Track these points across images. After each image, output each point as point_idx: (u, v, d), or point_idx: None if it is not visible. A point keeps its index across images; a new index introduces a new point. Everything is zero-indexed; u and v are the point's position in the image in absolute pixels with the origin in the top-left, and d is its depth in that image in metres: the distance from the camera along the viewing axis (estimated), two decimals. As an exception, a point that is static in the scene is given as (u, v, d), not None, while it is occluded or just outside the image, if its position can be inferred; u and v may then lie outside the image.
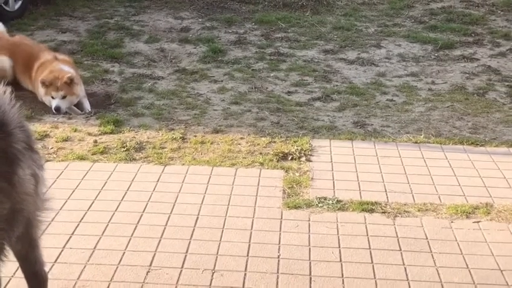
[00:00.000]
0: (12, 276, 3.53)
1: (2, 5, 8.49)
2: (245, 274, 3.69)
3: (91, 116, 5.95)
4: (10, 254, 3.05)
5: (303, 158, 5.15)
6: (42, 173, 3.07)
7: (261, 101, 6.40)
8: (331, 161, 5.13)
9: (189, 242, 4.00)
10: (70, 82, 5.98)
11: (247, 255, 3.87)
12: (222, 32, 8.66)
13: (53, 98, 5.99)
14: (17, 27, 8.33)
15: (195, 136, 5.53)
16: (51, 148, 5.24)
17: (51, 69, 6.17)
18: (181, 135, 5.52)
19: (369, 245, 4.00)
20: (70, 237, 4.01)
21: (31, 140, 3.08)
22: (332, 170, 4.99)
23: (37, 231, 3.15)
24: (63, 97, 5.98)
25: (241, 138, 5.53)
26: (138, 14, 9.28)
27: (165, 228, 4.15)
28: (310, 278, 3.68)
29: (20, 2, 8.77)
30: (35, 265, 3.18)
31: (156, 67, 7.32)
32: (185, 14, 9.40)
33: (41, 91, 6.10)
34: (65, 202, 4.41)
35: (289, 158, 5.15)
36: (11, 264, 3.14)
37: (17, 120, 2.98)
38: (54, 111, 5.96)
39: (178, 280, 3.62)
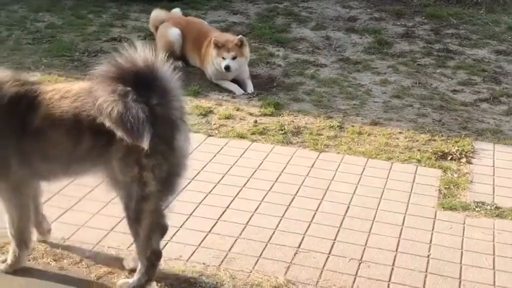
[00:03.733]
0: (180, 227, 3.76)
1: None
2: (392, 269, 3.67)
3: (253, 96, 6.12)
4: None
5: (463, 160, 5.00)
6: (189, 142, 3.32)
7: (424, 97, 6.27)
8: (493, 166, 4.93)
9: (338, 230, 4.03)
10: (240, 44, 6.24)
11: (396, 251, 3.83)
12: (390, 23, 8.55)
13: (223, 58, 6.20)
14: (191, 6, 8.73)
15: (353, 126, 5.53)
16: (214, 124, 5.47)
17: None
18: (338, 124, 5.54)
19: (527, 257, 3.83)
20: (225, 210, 4.18)
21: (184, 110, 3.29)
22: (493, 175, 4.80)
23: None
24: (234, 58, 6.21)
25: (400, 132, 5.46)
26: (307, 1, 9.38)
27: (315, 213, 4.21)
28: (460, 282, 3.58)
29: (196, -18, 9.18)
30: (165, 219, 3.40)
31: (320, 54, 7.38)
32: (354, 3, 9.37)
33: (212, 53, 6.30)
34: (223, 177, 4.60)
35: (449, 158, 5.02)
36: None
37: (176, 90, 3.18)
38: (223, 69, 6.20)
39: (324, 265, 3.67)
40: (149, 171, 3.13)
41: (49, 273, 3.48)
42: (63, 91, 3.26)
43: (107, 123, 2.99)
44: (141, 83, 3.03)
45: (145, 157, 3.09)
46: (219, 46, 6.25)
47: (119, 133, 2.99)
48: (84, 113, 3.13)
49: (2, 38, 7.29)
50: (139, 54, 3.07)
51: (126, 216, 3.29)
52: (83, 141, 3.18)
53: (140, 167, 3.12)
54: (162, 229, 3.38)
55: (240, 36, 6.34)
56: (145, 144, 2.97)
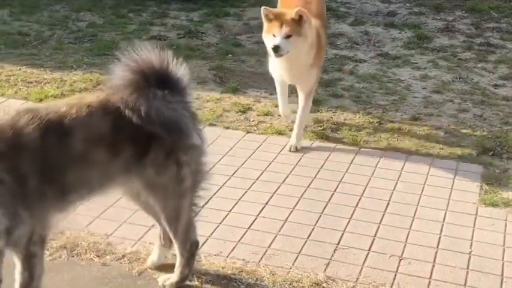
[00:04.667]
0: (219, 223, 3.79)
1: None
2: (433, 265, 3.64)
3: (292, 93, 6.11)
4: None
5: (505, 155, 4.93)
6: None
7: (465, 92, 6.19)
8: (537, 161, 4.86)
9: (378, 226, 4.01)
10: (299, 19, 4.66)
11: (437, 247, 3.80)
12: (430, 18, 8.46)
13: (274, 36, 4.67)
14: (230, 4, 8.76)
15: (392, 122, 5.49)
16: (253, 121, 5.48)
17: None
18: (378, 120, 5.51)
19: None
20: (264, 207, 4.19)
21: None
22: (536, 170, 4.73)
23: None
24: (287, 36, 4.65)
25: (440, 128, 5.40)
26: (345, -4, 9.33)
27: (355, 209, 4.19)
28: (502, 279, 3.53)
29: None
30: None
31: (359, 50, 7.33)
32: (393, -2, 9.29)
33: (264, 27, 4.81)
34: (261, 173, 4.61)
35: (490, 154, 4.95)
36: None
37: (190, 88, 3.23)
38: (271, 51, 4.72)
39: (364, 262, 3.66)
40: (187, 167, 3.17)
41: (92, 269, 3.54)
42: (84, 106, 3.01)
43: (152, 128, 2.99)
44: (161, 83, 3.05)
45: (184, 154, 3.12)
46: (270, 18, 4.71)
47: (165, 134, 3.01)
48: (122, 124, 3.00)
49: (44, 38, 7.42)
50: (152, 55, 3.06)
51: (164, 217, 3.29)
52: (121, 153, 3.04)
53: (179, 165, 3.14)
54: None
55: (299, 8, 4.68)
56: (196, 140, 3.03)
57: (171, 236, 3.37)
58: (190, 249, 3.37)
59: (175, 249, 3.40)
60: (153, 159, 3.09)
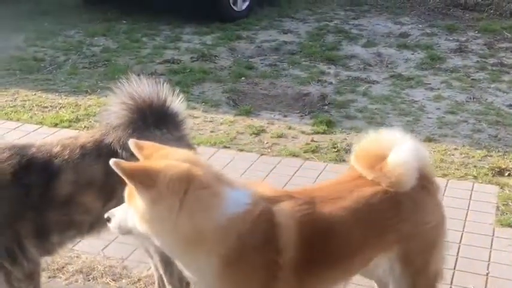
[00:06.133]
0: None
1: (231, 4, 9.03)
2: (450, 287, 3.61)
3: (305, 115, 6.13)
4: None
5: (521, 175, 4.91)
6: None
7: (479, 112, 6.17)
8: (553, 182, 4.82)
9: (394, 248, 3.98)
10: None
11: (454, 269, 3.77)
12: (442, 39, 8.47)
13: None
14: (242, 27, 8.82)
15: (407, 143, 5.47)
16: (267, 143, 5.49)
17: None
18: (392, 141, 5.48)
19: None
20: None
21: None
22: (553, 190, 4.70)
23: None
24: None
25: (455, 149, 5.38)
26: (357, 18, 9.38)
27: (370, 231, 4.17)
28: (520, 301, 3.51)
29: (247, 3, 9.26)
30: None
31: (372, 71, 7.35)
32: (405, 19, 9.32)
33: None
34: (276, 195, 4.60)
35: (506, 174, 4.93)
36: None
37: (186, 122, 3.19)
38: None
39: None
40: None
41: (108, 293, 3.55)
42: (77, 146, 2.89)
43: None
44: (159, 121, 2.99)
45: None
46: None
47: None
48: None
49: (59, 63, 7.50)
50: (148, 90, 2.98)
51: (160, 259, 3.13)
52: (114, 197, 2.80)
53: None
54: None
55: None
56: None
57: (165, 279, 3.21)
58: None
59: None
60: None
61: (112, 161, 2.22)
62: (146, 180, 2.23)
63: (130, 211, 2.32)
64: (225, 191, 2.33)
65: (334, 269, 2.63)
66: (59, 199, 2.82)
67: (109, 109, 3.01)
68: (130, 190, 2.29)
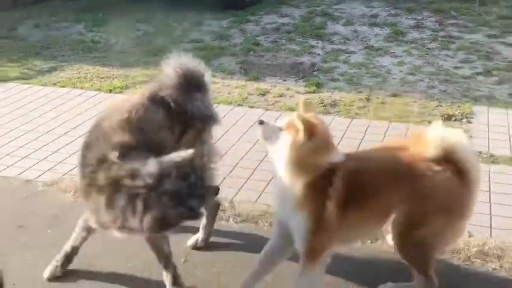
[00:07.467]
0: (247, 179, 3.78)
1: (243, -4, 8.84)
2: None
3: (299, 79, 6.08)
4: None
5: (464, 120, 4.88)
6: None
7: (432, 73, 6.10)
8: (488, 124, 4.79)
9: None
10: None
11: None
12: (404, 18, 8.31)
13: None
14: (250, 12, 8.67)
15: (377, 98, 5.44)
16: (270, 101, 5.46)
17: None
18: (366, 97, 5.46)
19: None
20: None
21: None
22: (488, 131, 4.66)
23: None
24: None
25: (414, 101, 5.34)
26: (339, 3, 9.18)
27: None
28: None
29: (255, -5, 9.05)
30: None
31: (350, 44, 7.24)
32: (375, 3, 9.13)
33: None
34: (278, 140, 4.59)
35: (453, 119, 4.90)
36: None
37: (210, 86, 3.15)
38: None
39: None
40: (206, 146, 3.11)
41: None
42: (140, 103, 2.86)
43: (191, 120, 2.97)
44: (198, 87, 3.00)
45: (206, 136, 3.12)
46: None
47: (199, 125, 2.99)
48: (171, 113, 2.93)
49: (111, 44, 7.43)
50: (192, 63, 3.00)
51: None
52: (175, 132, 2.93)
53: (202, 143, 3.07)
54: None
55: None
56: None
57: None
58: (214, 211, 3.26)
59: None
60: (185, 140, 2.95)
61: (296, 115, 2.56)
62: (310, 129, 2.54)
63: (286, 135, 2.58)
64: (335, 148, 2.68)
65: (366, 215, 2.64)
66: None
67: (165, 73, 3.00)
68: (290, 123, 2.58)
